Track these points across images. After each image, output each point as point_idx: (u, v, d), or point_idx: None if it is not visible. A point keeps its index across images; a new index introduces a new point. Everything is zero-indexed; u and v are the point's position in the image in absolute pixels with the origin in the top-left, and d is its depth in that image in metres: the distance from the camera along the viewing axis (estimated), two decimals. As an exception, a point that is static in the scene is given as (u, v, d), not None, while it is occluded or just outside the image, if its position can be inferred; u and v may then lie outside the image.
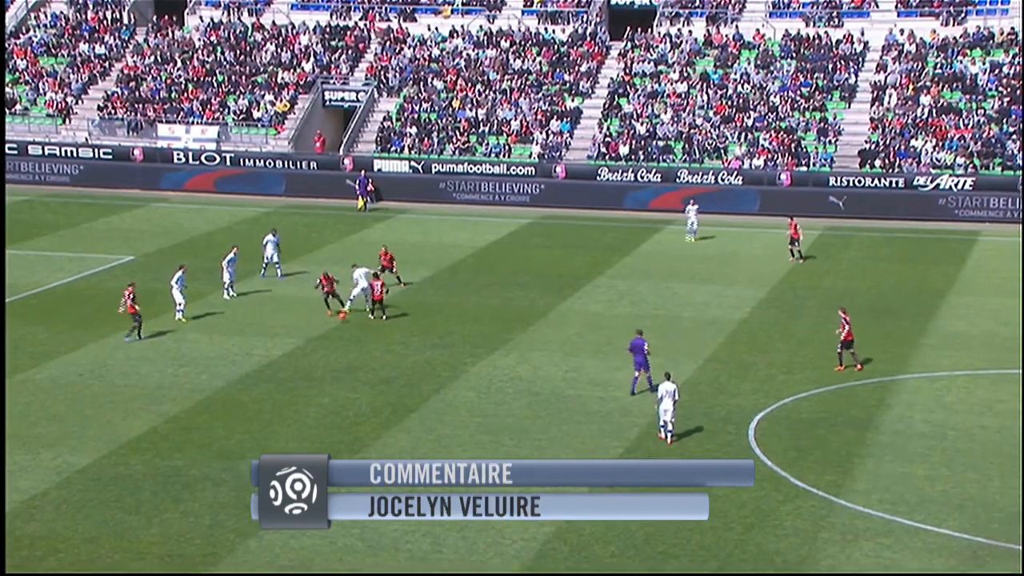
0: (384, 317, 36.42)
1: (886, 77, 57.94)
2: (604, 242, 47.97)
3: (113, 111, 61.38)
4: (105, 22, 66.87)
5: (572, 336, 35.49)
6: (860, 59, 59.40)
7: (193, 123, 60.20)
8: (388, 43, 63.53)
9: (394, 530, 23.27)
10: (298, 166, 57.65)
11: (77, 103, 62.47)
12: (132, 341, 34.29)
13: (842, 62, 59.14)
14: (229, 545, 22.79)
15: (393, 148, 58.14)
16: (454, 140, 57.85)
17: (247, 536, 23.00)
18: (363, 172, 54.93)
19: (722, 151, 55.74)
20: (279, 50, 63.68)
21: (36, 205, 54.40)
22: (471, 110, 59.21)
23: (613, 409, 29.50)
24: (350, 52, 63.30)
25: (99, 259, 44.39)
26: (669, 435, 27.22)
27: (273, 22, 65.19)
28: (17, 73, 63.99)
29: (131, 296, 34.42)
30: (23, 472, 25.78)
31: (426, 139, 58.06)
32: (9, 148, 59.19)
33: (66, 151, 59.10)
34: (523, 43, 62.41)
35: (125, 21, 66.86)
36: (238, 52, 63.91)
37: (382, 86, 61.35)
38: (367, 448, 27.21)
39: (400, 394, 30.61)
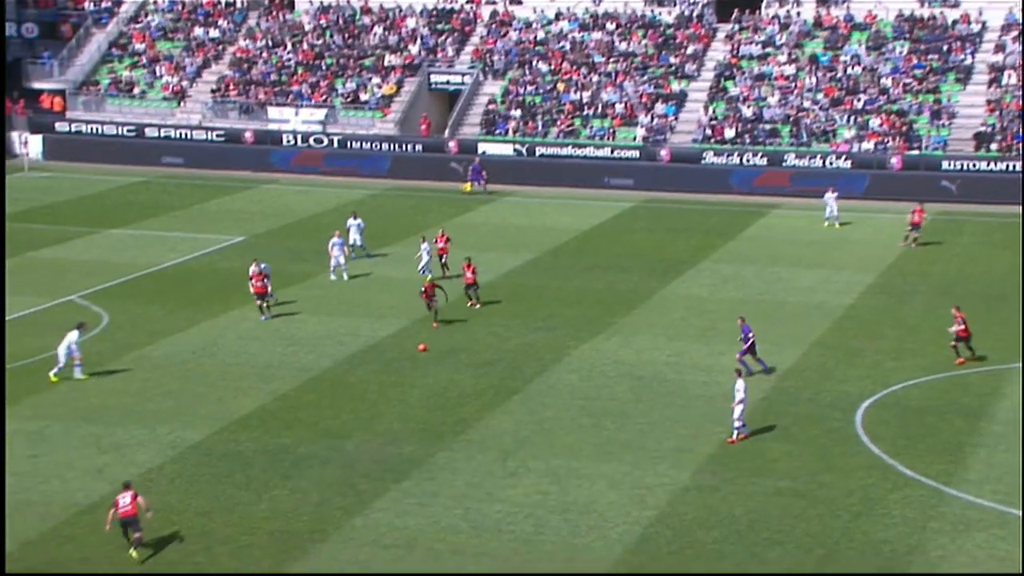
0: (478, 303, 36.47)
1: (1005, 58, 56.27)
2: (708, 226, 47.56)
3: (226, 94, 62.66)
4: (219, 6, 68.26)
5: (675, 320, 35.32)
6: (977, 39, 57.79)
7: (302, 106, 61.16)
8: (494, 26, 63.70)
9: (497, 511, 23.50)
10: (404, 148, 58.21)
11: (191, 86, 63.93)
12: (267, 319, 35.22)
13: (958, 43, 57.60)
14: (336, 522, 23.24)
15: (498, 131, 58.32)
16: (558, 123, 57.82)
17: (353, 514, 23.44)
18: (477, 159, 55.05)
19: (831, 134, 54.78)
20: (386, 33, 64.30)
21: (152, 186, 55.85)
22: (576, 93, 59.08)
23: (716, 394, 29.30)
24: (456, 35, 63.62)
25: (211, 239, 45.44)
26: (737, 431, 26.54)
27: (381, 5, 65.84)
28: (136, 57, 65.68)
29: (258, 276, 35.48)
30: (140, 446, 26.63)
31: (530, 122, 58.12)
32: (127, 130, 60.95)
33: (181, 133, 60.57)
34: (629, 25, 62.04)
35: (238, 5, 68.16)
36: (346, 35, 64.70)
37: (487, 69, 61.54)
38: (470, 429, 27.47)
39: (502, 376, 30.82)
